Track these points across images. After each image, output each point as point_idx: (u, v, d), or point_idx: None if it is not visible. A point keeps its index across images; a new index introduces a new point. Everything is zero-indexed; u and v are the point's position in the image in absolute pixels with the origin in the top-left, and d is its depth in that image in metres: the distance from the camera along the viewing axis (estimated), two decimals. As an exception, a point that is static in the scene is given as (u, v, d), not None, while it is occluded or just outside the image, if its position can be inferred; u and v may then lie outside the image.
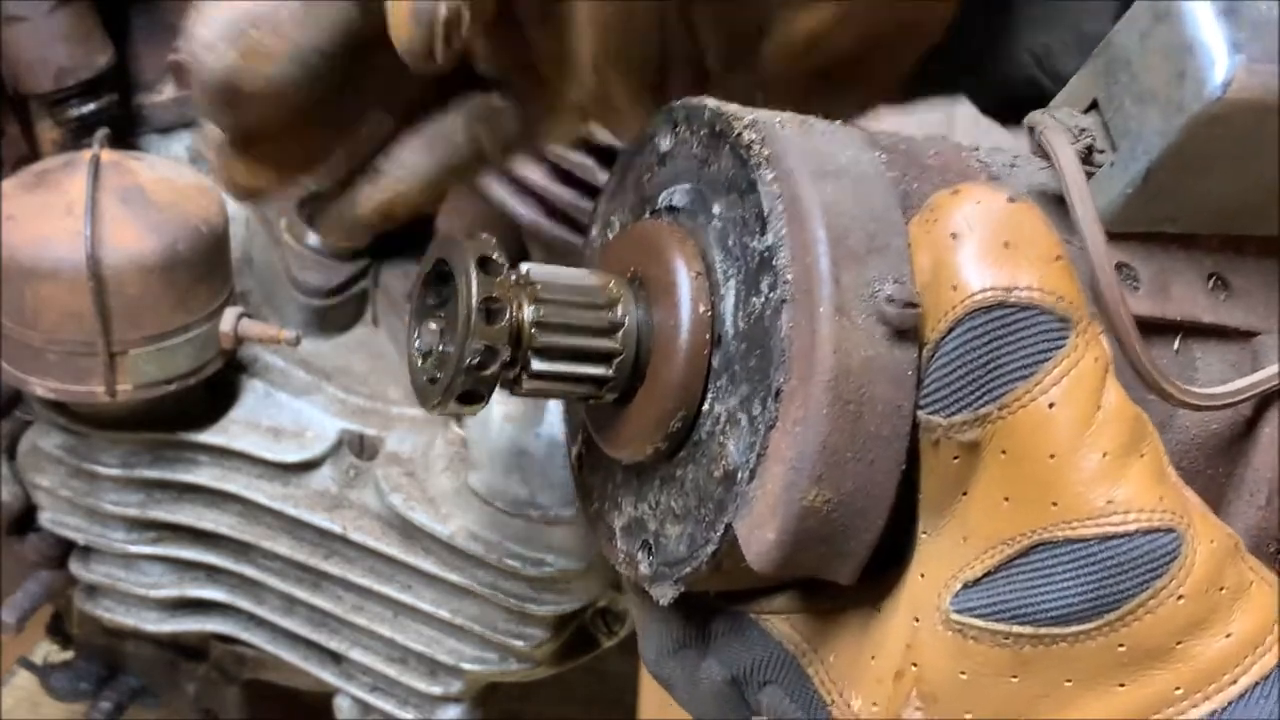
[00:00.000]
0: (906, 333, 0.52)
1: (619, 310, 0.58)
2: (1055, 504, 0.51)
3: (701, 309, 0.57)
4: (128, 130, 1.19)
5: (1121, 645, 0.51)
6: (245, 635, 1.17)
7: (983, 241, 0.52)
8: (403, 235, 1.19)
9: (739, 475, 0.54)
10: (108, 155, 1.03)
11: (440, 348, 0.59)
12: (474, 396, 0.56)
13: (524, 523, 1.01)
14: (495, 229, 1.07)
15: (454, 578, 1.05)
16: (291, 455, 1.10)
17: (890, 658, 0.55)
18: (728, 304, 0.56)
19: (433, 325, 0.59)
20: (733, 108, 0.58)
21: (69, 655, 1.33)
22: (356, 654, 1.13)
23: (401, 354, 1.16)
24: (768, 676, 0.61)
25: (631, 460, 0.61)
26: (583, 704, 1.41)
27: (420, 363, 0.59)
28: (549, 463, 1.00)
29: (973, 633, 0.53)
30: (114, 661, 1.30)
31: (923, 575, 0.55)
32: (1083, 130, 0.58)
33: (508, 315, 0.56)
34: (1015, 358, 0.51)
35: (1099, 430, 0.51)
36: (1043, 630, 0.52)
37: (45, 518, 1.15)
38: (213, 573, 1.15)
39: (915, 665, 0.54)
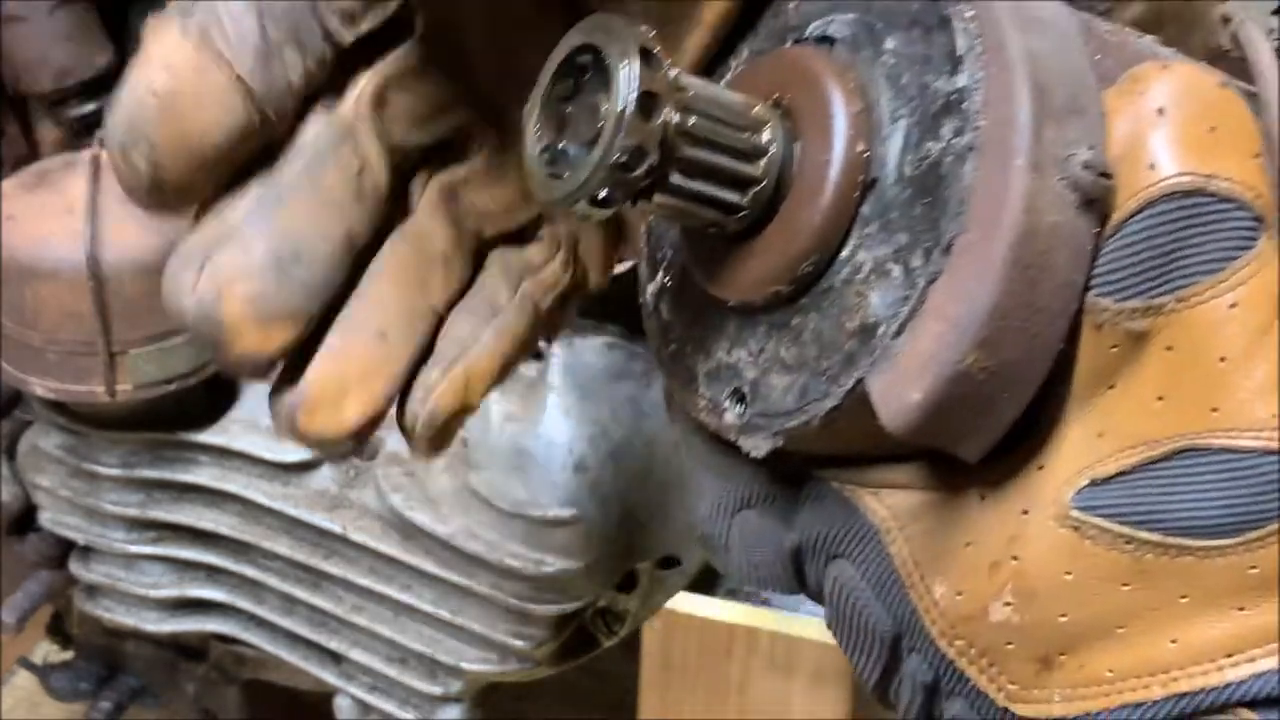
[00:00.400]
0: (1095, 204, 0.49)
1: (764, 136, 0.54)
2: (1216, 410, 0.48)
3: (859, 148, 0.53)
4: (128, 130, 1.19)
5: (1254, 567, 0.48)
6: (245, 635, 1.17)
7: (1188, 122, 0.49)
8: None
9: (880, 329, 0.51)
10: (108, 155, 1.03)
11: (563, 145, 0.54)
12: (609, 201, 0.52)
13: (524, 523, 1.01)
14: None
15: (454, 578, 1.05)
16: (291, 455, 1.10)
17: (989, 548, 0.52)
18: (892, 146, 0.52)
19: (558, 117, 0.54)
20: None
21: (69, 655, 1.33)
22: (357, 654, 1.13)
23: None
24: (840, 550, 0.57)
25: (739, 301, 0.57)
26: (583, 704, 1.41)
27: (539, 155, 0.54)
28: (549, 463, 1.00)
29: (1091, 533, 0.50)
30: (114, 661, 1.30)
31: (1041, 467, 0.52)
32: (1273, 31, 0.55)
33: (661, 116, 0.51)
34: (1203, 250, 0.48)
35: (1276, 340, 0.48)
36: (1171, 540, 0.49)
37: (45, 518, 1.15)
38: (213, 573, 1.15)
39: (1016, 559, 0.52)
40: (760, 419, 0.56)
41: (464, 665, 1.09)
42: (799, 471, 0.58)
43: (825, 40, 0.56)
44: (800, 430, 0.54)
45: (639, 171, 0.51)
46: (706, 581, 1.16)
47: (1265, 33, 0.54)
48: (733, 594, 1.17)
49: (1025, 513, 0.51)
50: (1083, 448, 0.51)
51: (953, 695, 0.55)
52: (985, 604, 0.52)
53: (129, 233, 1.00)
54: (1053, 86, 0.50)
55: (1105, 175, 0.48)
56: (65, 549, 1.17)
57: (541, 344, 1.01)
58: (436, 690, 1.11)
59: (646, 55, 0.51)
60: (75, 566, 1.16)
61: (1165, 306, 0.49)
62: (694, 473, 0.63)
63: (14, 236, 1.00)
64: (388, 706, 1.14)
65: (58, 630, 1.34)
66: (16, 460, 1.15)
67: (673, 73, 0.52)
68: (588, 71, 0.53)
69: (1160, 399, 0.49)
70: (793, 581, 0.60)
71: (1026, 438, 0.52)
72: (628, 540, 1.04)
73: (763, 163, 0.54)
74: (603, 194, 0.51)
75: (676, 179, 0.53)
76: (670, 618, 1.19)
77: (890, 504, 0.56)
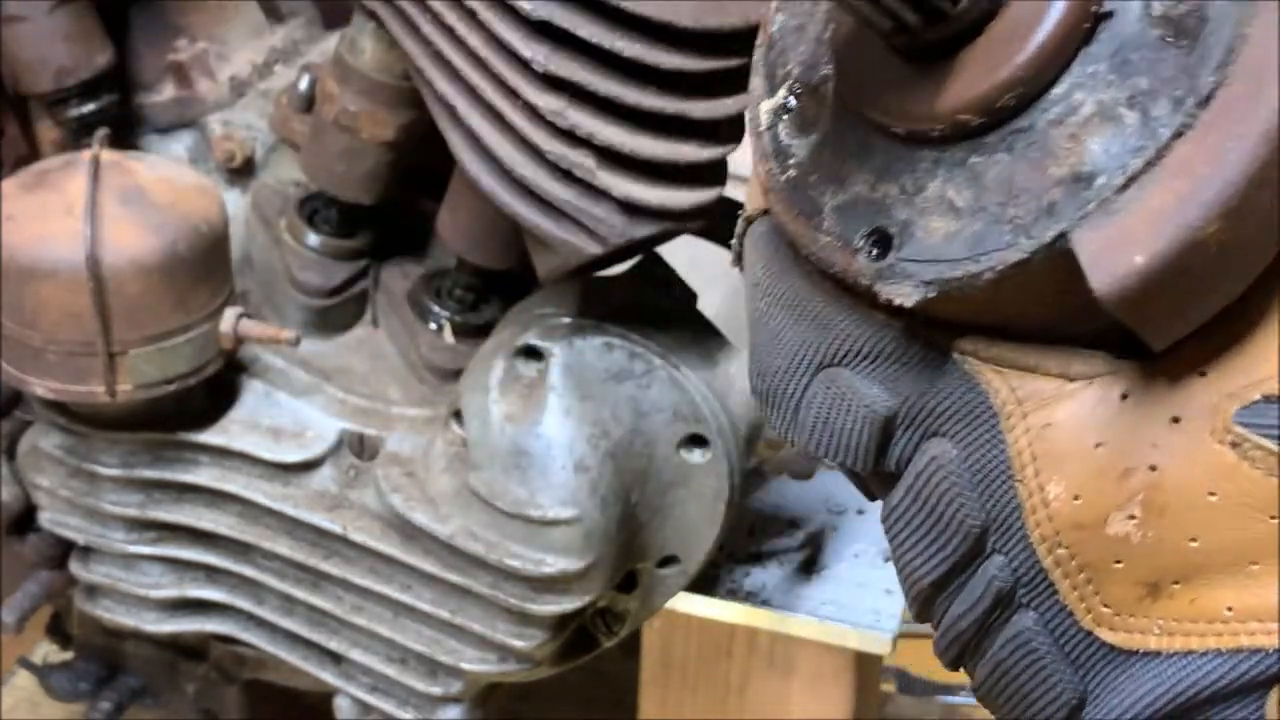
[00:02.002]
0: None
1: None
2: None
3: None
4: (127, 130, 1.19)
5: None
6: (245, 635, 1.17)
7: None
8: (402, 235, 1.20)
9: (1099, 180, 0.45)
10: (108, 155, 1.03)
11: None
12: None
13: (524, 523, 1.01)
14: (495, 229, 1.07)
15: (454, 578, 1.05)
16: (291, 455, 1.10)
17: (1124, 452, 0.47)
18: None
19: None
20: None
21: (68, 655, 1.33)
22: (356, 654, 1.13)
23: (401, 354, 1.16)
24: (944, 428, 0.51)
25: (909, 130, 0.50)
26: (583, 704, 1.41)
27: None
28: (549, 463, 1.00)
29: (1253, 453, 0.45)
30: (113, 662, 1.30)
31: (1204, 373, 0.46)
32: None
33: None
34: None
35: None
36: None
37: (45, 518, 1.15)
38: (212, 573, 1.15)
39: (1154, 469, 0.46)
40: (910, 264, 0.49)
41: (464, 665, 1.09)
42: (913, 332, 0.52)
43: None
44: (964, 284, 0.48)
45: None
46: (706, 581, 1.16)
47: None
48: (732, 594, 1.17)
49: (1176, 420, 0.46)
50: (1261, 359, 0.46)
51: (1025, 608, 0.50)
52: (1105, 513, 0.47)
53: (129, 233, 1.00)
54: None
55: None
56: (65, 549, 1.17)
57: (542, 344, 1.01)
58: (436, 690, 1.11)
59: None
60: (75, 567, 1.16)
61: None
62: (773, 319, 0.55)
63: (14, 237, 1.00)
64: (387, 706, 1.14)
65: (57, 630, 1.34)
66: (16, 460, 1.15)
67: None
68: None
69: None
70: (870, 453, 0.53)
71: (1195, 336, 0.47)
72: (628, 540, 1.04)
73: None
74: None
75: None
76: (670, 618, 1.19)
77: (1017, 386, 0.49)
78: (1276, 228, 0.45)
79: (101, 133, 1.04)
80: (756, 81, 0.59)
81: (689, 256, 1.14)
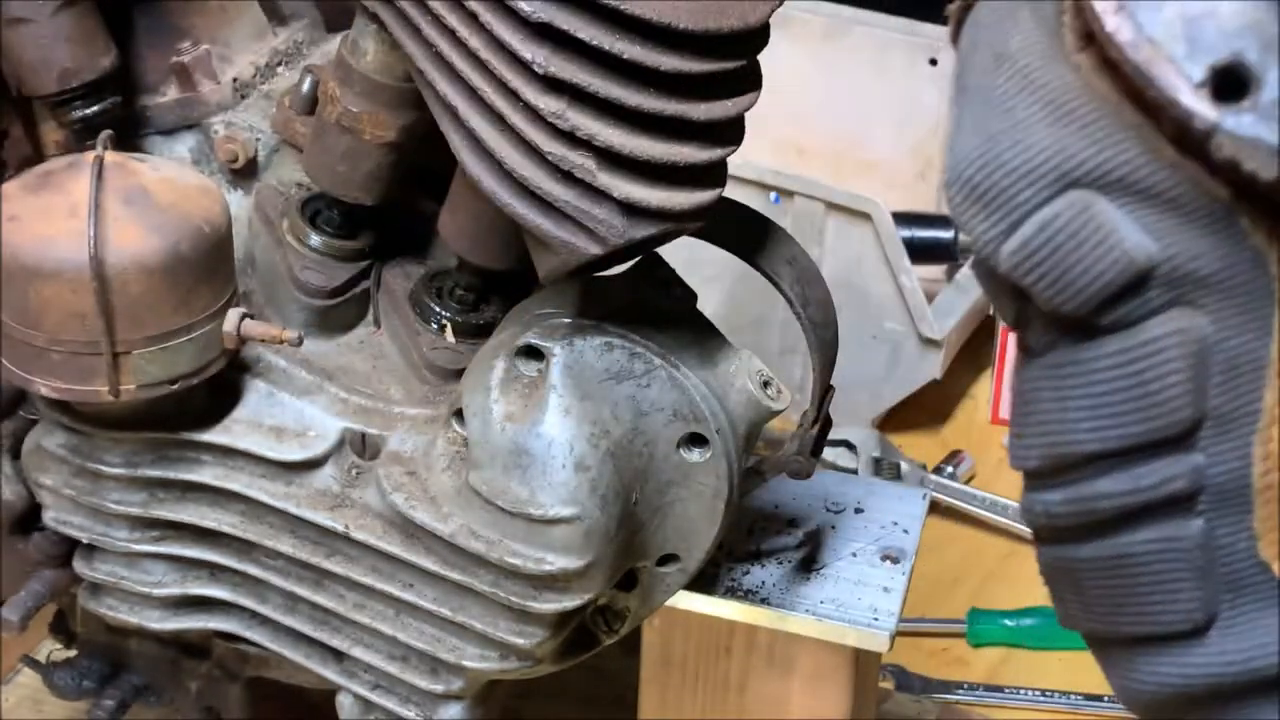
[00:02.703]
0: None
1: None
2: None
3: None
4: (131, 131, 1.20)
5: None
6: (248, 633, 1.18)
7: None
8: (404, 235, 1.20)
9: None
10: (111, 156, 1.04)
11: None
12: None
13: (525, 521, 1.01)
14: (496, 229, 1.07)
15: (455, 576, 1.06)
16: (294, 454, 1.10)
17: None
18: None
19: None
20: None
21: (72, 653, 1.33)
22: (358, 652, 1.13)
23: (403, 354, 1.16)
24: (1204, 301, 0.44)
25: None
26: (583, 702, 1.42)
27: None
28: (549, 462, 1.00)
29: None
30: (117, 659, 1.30)
31: None
32: None
33: None
34: None
35: None
36: None
37: (49, 516, 1.15)
38: (215, 571, 1.15)
39: None
40: (1269, 124, 0.40)
41: (465, 663, 1.09)
42: (1212, 188, 0.44)
43: None
44: None
45: None
46: (706, 580, 1.16)
47: None
48: (732, 592, 1.18)
49: None
50: None
51: (1196, 515, 0.45)
52: None
53: (132, 234, 1.01)
54: None
55: None
56: (69, 548, 1.18)
57: (542, 344, 1.02)
58: (438, 688, 1.12)
59: None
60: (79, 565, 1.17)
61: None
62: (1013, 105, 0.45)
63: (17, 237, 1.01)
64: (389, 704, 1.14)
65: (61, 628, 1.34)
66: (20, 459, 1.16)
67: None
68: None
69: None
70: (1102, 302, 0.45)
71: None
72: (628, 539, 1.05)
73: None
74: None
75: None
76: (669, 616, 1.19)
77: None
78: None
79: (105, 134, 1.05)
80: None
81: (689, 256, 1.15)
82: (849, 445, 1.91)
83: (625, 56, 0.90)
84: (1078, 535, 0.48)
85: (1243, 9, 0.41)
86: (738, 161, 1.12)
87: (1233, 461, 0.44)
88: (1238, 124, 0.40)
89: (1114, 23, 0.43)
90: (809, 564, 1.20)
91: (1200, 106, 0.41)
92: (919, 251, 2.03)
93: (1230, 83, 0.41)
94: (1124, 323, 0.45)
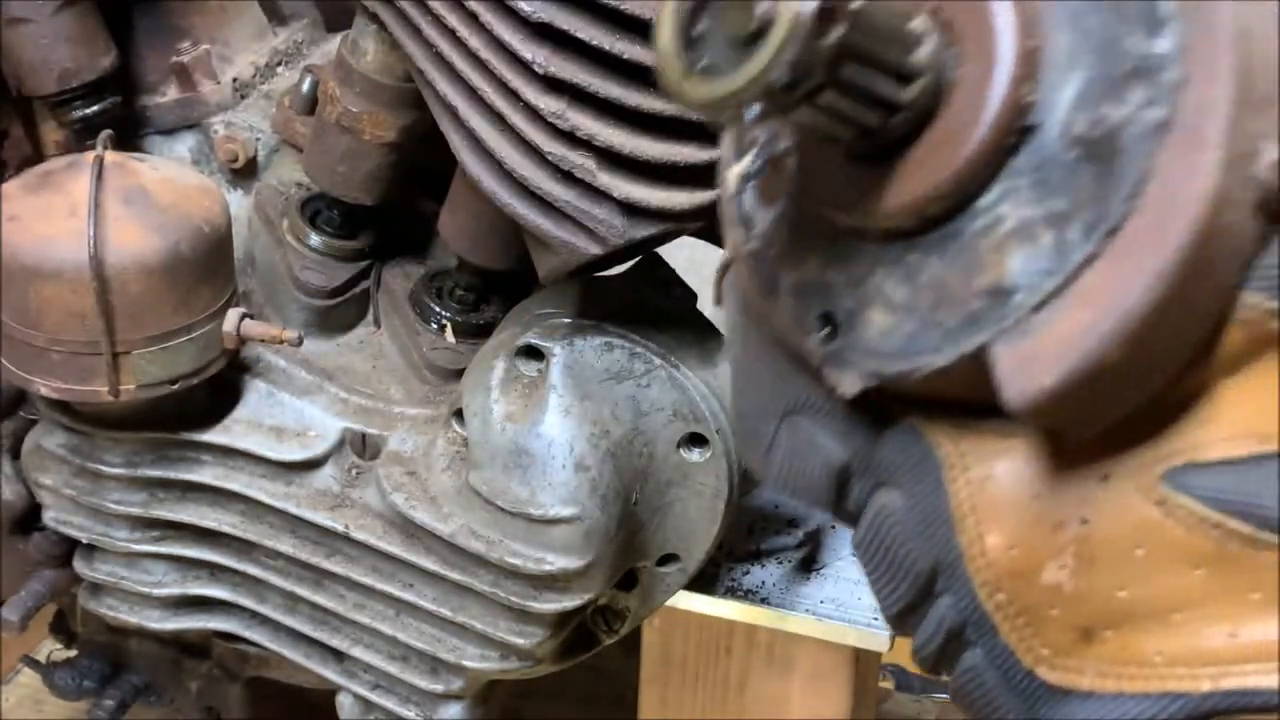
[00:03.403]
0: (1269, 205, 0.45)
1: (921, 53, 0.48)
2: None
3: (1025, 90, 0.47)
4: (131, 131, 1.20)
5: None
6: (248, 633, 1.18)
7: None
8: (403, 235, 1.20)
9: (1017, 297, 0.46)
10: (111, 156, 1.04)
11: (702, 29, 0.47)
12: (756, 112, 0.46)
13: (525, 521, 1.01)
14: (496, 229, 1.07)
15: (455, 576, 1.06)
16: (294, 454, 1.10)
17: (1058, 505, 0.50)
18: (1064, 96, 0.47)
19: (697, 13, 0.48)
20: None
21: (72, 653, 1.33)
22: (358, 652, 1.13)
23: (403, 354, 1.17)
24: (893, 479, 0.54)
25: (848, 225, 0.51)
26: (583, 702, 1.42)
27: (678, 43, 0.48)
28: (549, 462, 1.00)
29: (1180, 513, 0.48)
30: (117, 659, 1.30)
31: (1132, 439, 0.49)
32: None
33: (834, 35, 0.45)
34: None
35: None
36: (1262, 535, 0.47)
37: (49, 516, 1.15)
38: (215, 571, 1.15)
39: (1085, 522, 0.49)
40: (853, 354, 0.52)
41: (465, 663, 1.09)
42: (863, 399, 0.54)
43: None
44: (899, 379, 0.50)
45: (800, 91, 0.46)
46: (706, 580, 1.16)
47: None
48: (732, 592, 1.18)
49: (1106, 478, 0.49)
50: (1186, 427, 0.49)
51: (974, 645, 0.53)
52: (1039, 563, 0.50)
53: (132, 234, 1.01)
54: (1258, 70, 0.45)
55: None
56: (69, 548, 1.18)
57: (542, 344, 1.02)
58: (438, 688, 1.12)
59: None
60: (79, 565, 1.17)
61: None
62: (747, 365, 0.58)
63: (17, 237, 1.01)
64: (389, 704, 1.14)
65: (61, 628, 1.34)
66: (20, 459, 1.16)
67: None
68: None
69: None
70: (830, 499, 0.57)
71: None
72: (628, 539, 1.05)
73: (915, 87, 0.49)
74: (764, 110, 0.46)
75: (828, 97, 0.47)
76: (670, 616, 1.19)
77: (959, 441, 0.52)
78: (1185, 339, 0.47)
79: (105, 134, 1.05)
80: (726, 145, 0.60)
81: (689, 256, 1.15)
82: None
83: (625, 56, 0.90)
84: (940, 674, 0.58)
85: (832, 274, 0.53)
86: (738, 161, 1.11)
87: (966, 596, 0.52)
88: (832, 357, 0.53)
89: (758, 300, 0.56)
90: (809, 564, 1.20)
91: (813, 348, 0.53)
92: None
93: (830, 326, 0.53)
94: (857, 509, 0.56)
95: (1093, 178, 0.46)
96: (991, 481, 0.52)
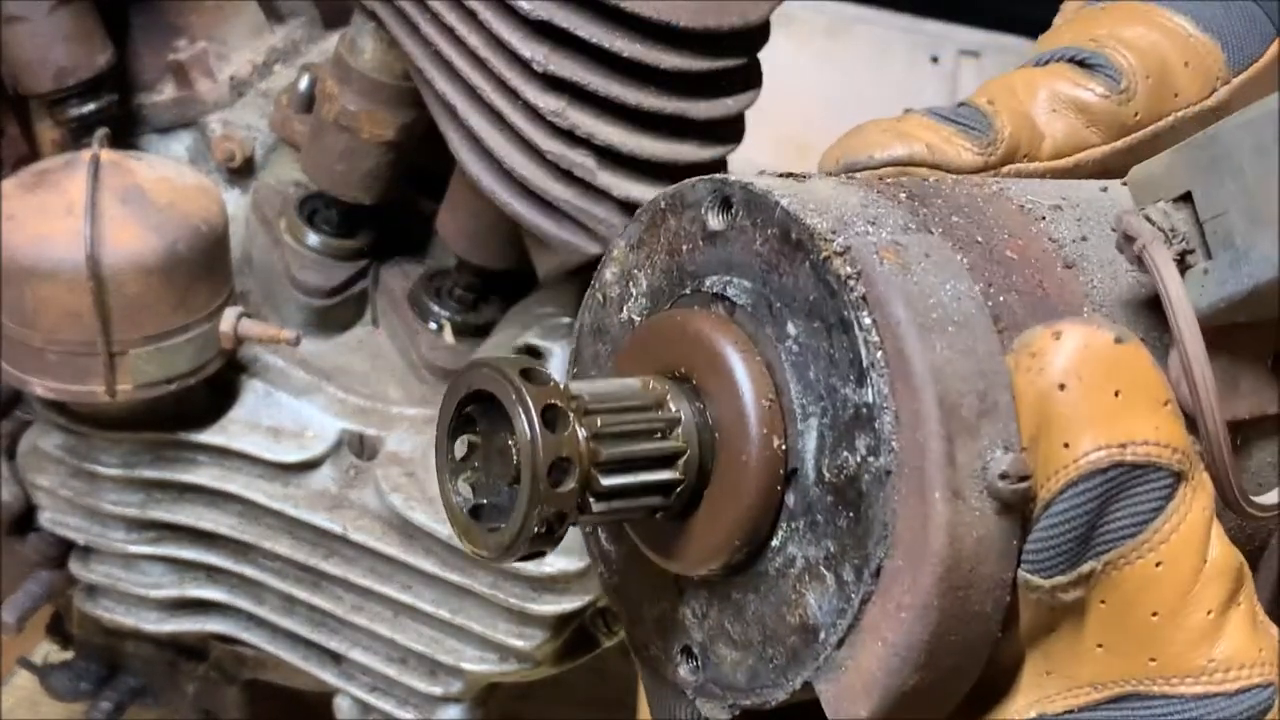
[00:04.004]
0: (1015, 506, 0.49)
1: (672, 408, 0.53)
2: (1153, 660, 0.50)
3: (775, 443, 0.51)
4: (127, 130, 1.19)
5: None
6: (245, 635, 1.17)
7: (1091, 392, 0.49)
8: (401, 235, 1.20)
9: (822, 634, 0.51)
10: (108, 155, 1.03)
11: (485, 500, 0.52)
12: (550, 533, 0.50)
13: (524, 523, 1.01)
14: (495, 229, 1.07)
15: (454, 578, 1.05)
16: (291, 455, 1.10)
17: None
18: (807, 444, 0.51)
19: (469, 471, 0.53)
20: (812, 218, 0.51)
21: (69, 655, 1.32)
22: (356, 654, 1.13)
23: (401, 354, 1.16)
24: None
25: (679, 572, 0.56)
26: (583, 704, 1.41)
27: (464, 515, 0.53)
28: (549, 463, 1.00)
29: None
30: (114, 661, 1.30)
31: (988, 700, 0.53)
32: (1175, 232, 0.54)
33: (570, 426, 0.49)
34: (1124, 517, 0.49)
35: (1203, 588, 0.50)
36: None
37: (45, 518, 1.15)
38: (212, 573, 1.15)
39: None
40: (715, 687, 0.56)
41: (464, 665, 1.09)
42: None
43: (724, 300, 0.54)
44: (755, 708, 0.54)
45: (569, 485, 0.49)
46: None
47: (1164, 241, 0.53)
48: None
49: None
50: (1031, 684, 0.53)
51: None
52: None
53: (129, 233, 1.00)
54: (960, 397, 0.49)
55: (1024, 478, 0.49)
56: (65, 549, 1.17)
57: (542, 343, 1.01)
58: (436, 690, 1.11)
59: (528, 374, 0.49)
60: (75, 566, 1.16)
61: (1094, 572, 0.50)
62: (646, 690, 0.64)
63: (14, 236, 1.00)
64: (387, 706, 1.14)
65: (58, 630, 1.34)
66: (16, 460, 1.15)
67: (563, 383, 0.50)
68: (479, 419, 0.52)
69: (1100, 646, 0.51)
70: None
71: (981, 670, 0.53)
72: (627, 540, 1.04)
73: (680, 464, 0.52)
74: (542, 528, 0.49)
75: (608, 481, 0.51)
76: (670, 617, 1.19)
77: None
78: (978, 639, 0.51)
79: (101, 133, 1.04)
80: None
81: (689, 256, 1.14)
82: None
83: (625, 55, 0.90)
84: None
85: (682, 609, 0.57)
86: (738, 160, 1.11)
87: None
88: (700, 689, 0.57)
89: (630, 630, 0.60)
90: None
91: (684, 679, 0.57)
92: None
93: (691, 658, 0.57)
94: None
95: (848, 521, 0.50)
96: None
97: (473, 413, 0.52)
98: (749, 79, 0.98)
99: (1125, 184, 0.57)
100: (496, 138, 0.95)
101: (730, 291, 0.54)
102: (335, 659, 1.15)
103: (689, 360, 0.54)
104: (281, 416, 1.11)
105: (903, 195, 0.55)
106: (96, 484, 1.12)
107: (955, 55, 2.21)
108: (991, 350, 0.50)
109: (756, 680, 0.54)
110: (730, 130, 0.98)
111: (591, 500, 0.51)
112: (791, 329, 0.52)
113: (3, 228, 1.00)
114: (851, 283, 0.50)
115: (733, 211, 0.54)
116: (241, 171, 1.20)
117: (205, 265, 1.04)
